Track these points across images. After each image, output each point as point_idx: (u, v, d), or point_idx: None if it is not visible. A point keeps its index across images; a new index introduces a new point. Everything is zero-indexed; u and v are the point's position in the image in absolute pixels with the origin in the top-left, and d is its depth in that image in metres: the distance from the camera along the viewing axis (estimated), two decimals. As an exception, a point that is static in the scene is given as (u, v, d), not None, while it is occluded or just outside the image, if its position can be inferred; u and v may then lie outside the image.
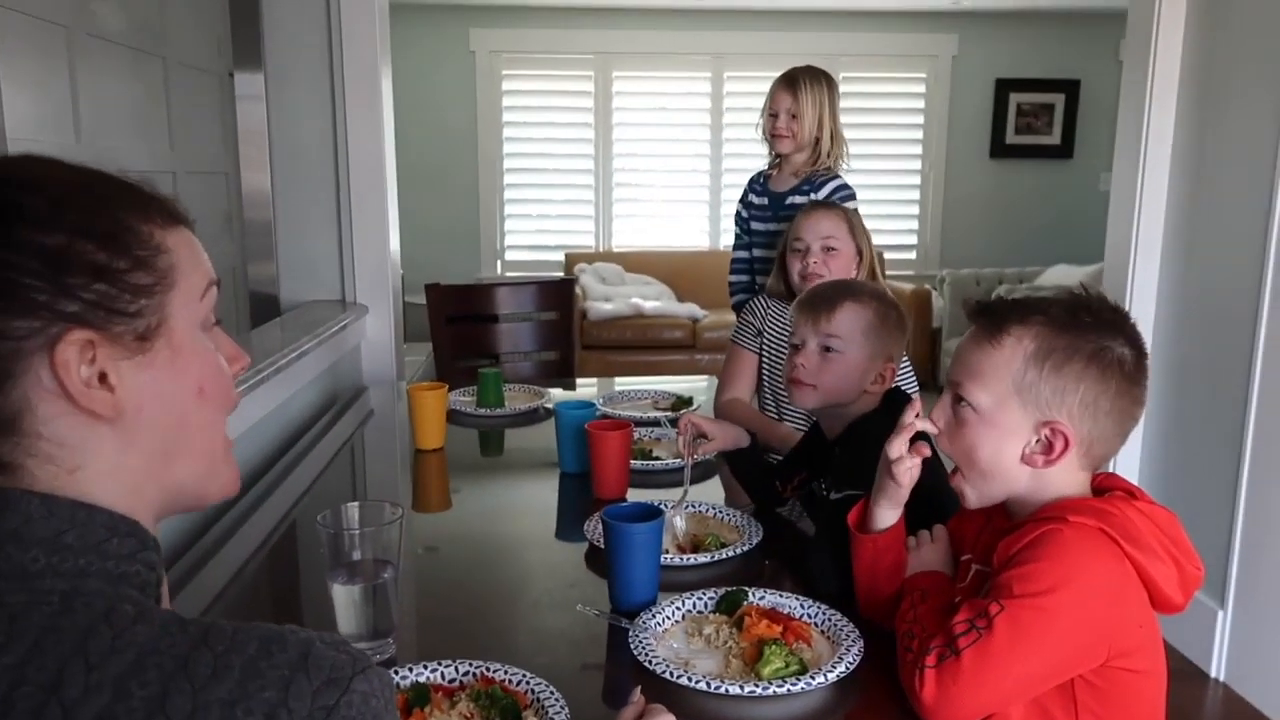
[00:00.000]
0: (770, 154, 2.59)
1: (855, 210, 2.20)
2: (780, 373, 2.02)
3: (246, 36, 2.73)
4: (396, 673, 1.01)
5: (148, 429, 0.62)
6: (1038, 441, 1.02)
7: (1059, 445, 1.01)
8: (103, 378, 0.59)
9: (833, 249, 1.97)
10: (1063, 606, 0.94)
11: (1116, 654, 0.98)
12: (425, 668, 1.03)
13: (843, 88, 2.60)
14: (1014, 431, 1.02)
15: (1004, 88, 6.02)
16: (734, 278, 2.68)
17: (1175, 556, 1.00)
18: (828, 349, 1.41)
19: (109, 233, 0.60)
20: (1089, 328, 1.00)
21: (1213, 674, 2.42)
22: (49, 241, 0.58)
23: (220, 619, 0.57)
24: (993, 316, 1.03)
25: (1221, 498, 2.38)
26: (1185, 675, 2.42)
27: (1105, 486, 1.06)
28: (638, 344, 5.25)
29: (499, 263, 6.05)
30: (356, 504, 1.13)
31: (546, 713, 0.96)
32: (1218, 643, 2.40)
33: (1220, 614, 2.38)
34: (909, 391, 1.69)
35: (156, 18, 2.94)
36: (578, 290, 5.23)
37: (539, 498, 1.79)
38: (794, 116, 2.46)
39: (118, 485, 0.61)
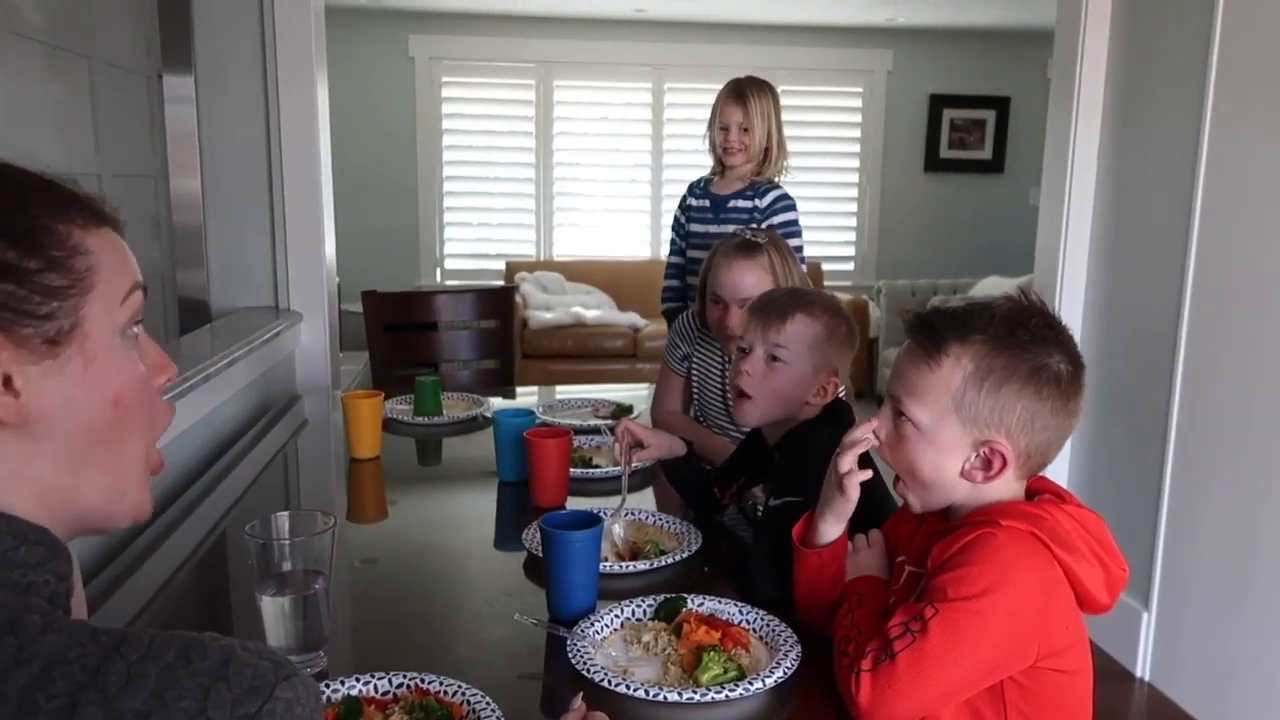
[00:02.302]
0: (716, 165, 2.60)
1: (783, 235, 2.16)
2: (710, 398, 2.03)
3: (176, 37, 2.67)
4: (328, 685, 0.99)
5: (56, 437, 0.60)
6: (977, 458, 1.03)
7: (997, 463, 1.03)
8: (7, 382, 0.57)
9: None
10: (996, 609, 0.96)
11: (1045, 655, 0.99)
12: (358, 680, 1.00)
13: (782, 101, 2.63)
14: (953, 448, 1.03)
15: (937, 103, 6.16)
16: (666, 283, 2.69)
17: (1102, 558, 1.02)
18: (775, 358, 1.42)
19: (21, 231, 0.58)
20: (1026, 345, 1.01)
21: (1138, 674, 2.49)
22: None
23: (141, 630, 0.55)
24: (931, 334, 1.03)
25: (1146, 503, 2.45)
26: (1111, 675, 2.49)
27: (1036, 489, 1.09)
28: (579, 353, 5.23)
29: (439, 270, 5.99)
30: (286, 513, 1.10)
31: (482, 724, 0.95)
32: (1142, 643, 2.47)
33: (1145, 615, 2.45)
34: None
35: (81, 16, 2.85)
36: (518, 299, 5.20)
37: (477, 507, 1.76)
38: (745, 129, 2.47)
39: (23, 493, 0.59)
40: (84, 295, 0.60)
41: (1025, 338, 1.01)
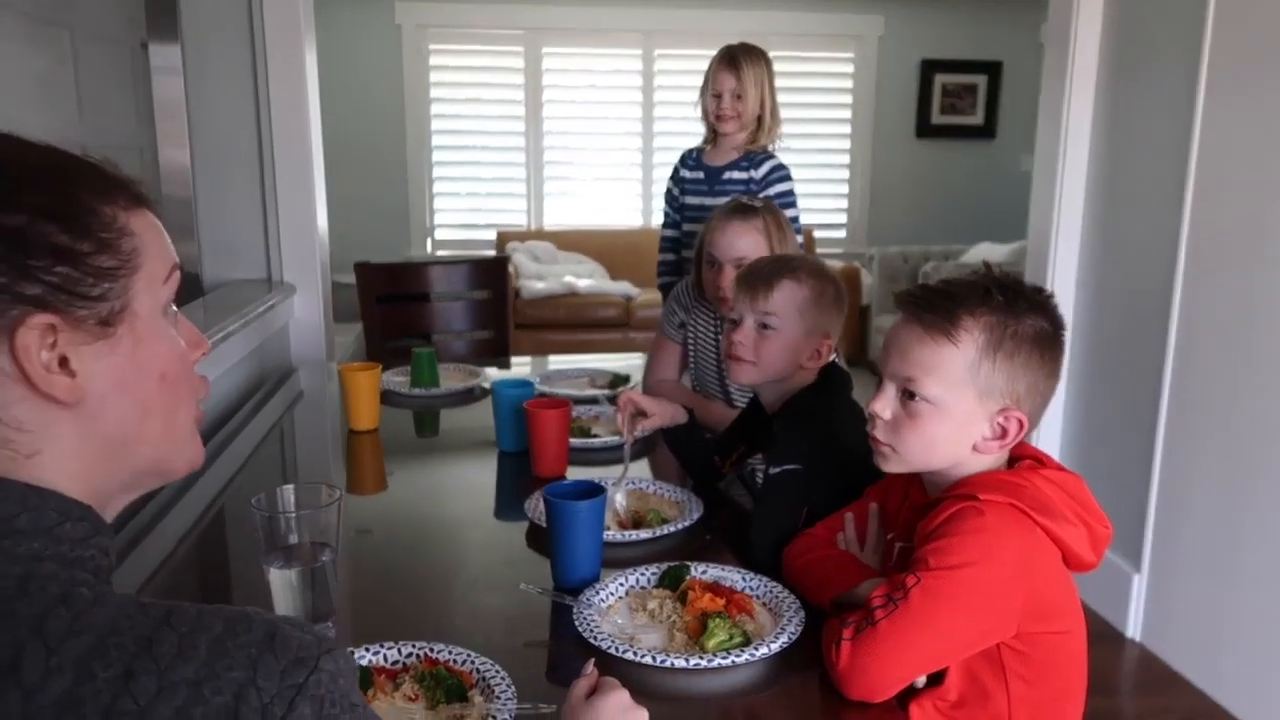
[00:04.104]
0: (708, 133, 2.58)
1: (780, 206, 2.15)
2: (704, 365, 2.03)
3: (161, 6, 2.62)
4: (337, 656, 1.00)
5: (108, 415, 0.61)
6: (991, 428, 1.05)
7: (1013, 429, 1.04)
8: (63, 362, 0.58)
9: None
10: (976, 581, 0.98)
11: (1035, 619, 1.01)
12: (367, 650, 1.01)
13: (772, 63, 2.60)
14: (970, 421, 1.04)
15: (929, 68, 6.12)
16: (662, 257, 2.68)
17: (1084, 518, 1.04)
18: (765, 326, 1.42)
19: (72, 214, 0.59)
20: (1026, 312, 1.03)
21: (1129, 634, 2.53)
22: (9, 222, 0.56)
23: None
24: (942, 310, 1.03)
25: (1138, 466, 2.48)
26: (1102, 636, 2.53)
27: (1015, 455, 1.10)
28: (571, 323, 5.22)
29: (429, 241, 5.95)
30: (292, 486, 1.10)
31: (493, 691, 0.95)
32: (1133, 604, 2.51)
33: (1136, 577, 2.49)
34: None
35: (63, -15, 2.80)
36: (510, 269, 5.17)
37: (477, 477, 1.77)
38: (738, 97, 2.45)
39: (75, 470, 0.60)
40: (131, 276, 0.61)
41: (1025, 305, 1.04)
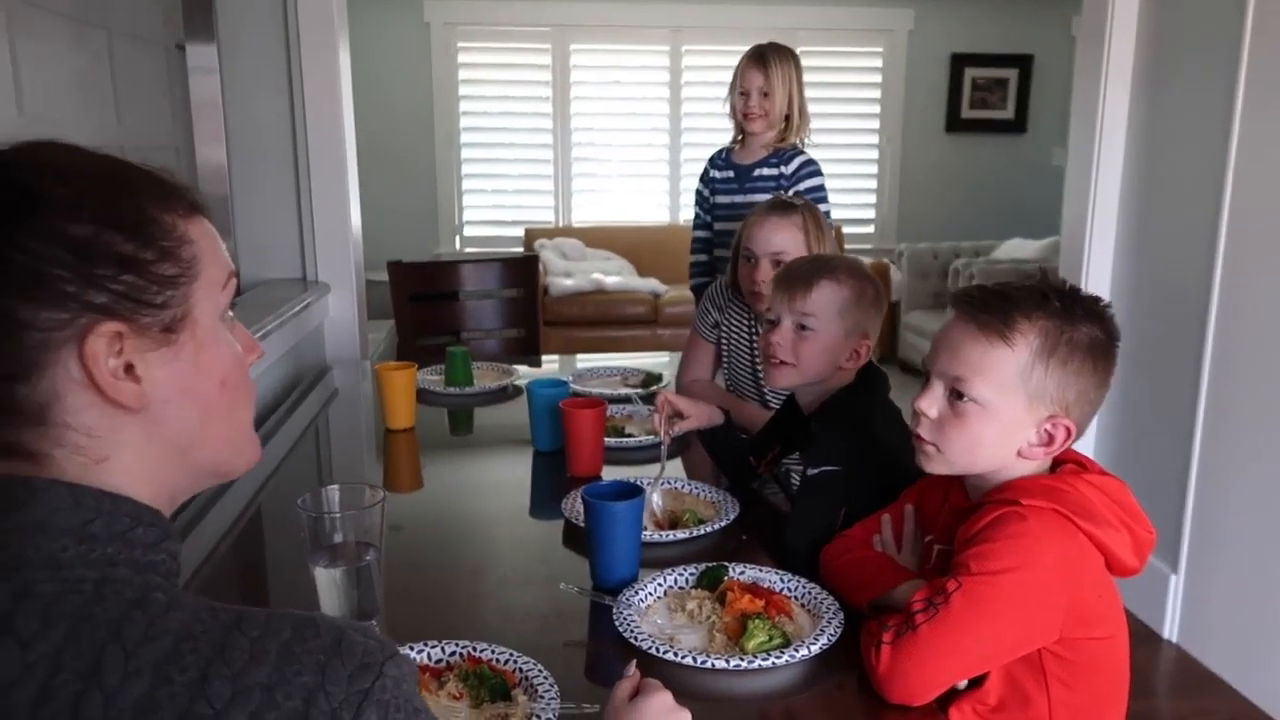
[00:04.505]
0: (736, 132, 2.58)
1: (815, 204, 2.14)
2: (739, 364, 2.03)
3: (197, 7, 2.65)
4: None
5: (172, 420, 0.62)
6: (1038, 434, 1.04)
7: (1060, 437, 1.03)
8: (129, 369, 0.59)
9: (783, 263, 1.85)
10: (1018, 587, 0.97)
11: (1077, 625, 1.01)
12: (411, 648, 1.02)
13: (801, 62, 2.59)
14: (1017, 426, 1.03)
15: (959, 62, 6.06)
16: (694, 258, 2.68)
17: (1127, 523, 1.03)
18: (803, 327, 1.42)
19: (135, 223, 0.60)
20: (1082, 319, 1.03)
21: (1165, 635, 2.50)
22: (77, 231, 0.57)
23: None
24: (998, 312, 1.02)
25: (1175, 466, 2.45)
26: (1139, 637, 2.50)
27: (1058, 459, 1.09)
28: (600, 320, 5.22)
29: (458, 239, 5.98)
30: (336, 487, 1.11)
31: (536, 691, 0.96)
32: (1170, 605, 2.48)
33: (1173, 578, 2.46)
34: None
35: (100, -12, 2.84)
36: (539, 266, 5.19)
37: (512, 476, 1.78)
38: (766, 95, 2.45)
39: (142, 475, 0.62)
40: (192, 284, 0.62)
41: (1081, 313, 1.03)
